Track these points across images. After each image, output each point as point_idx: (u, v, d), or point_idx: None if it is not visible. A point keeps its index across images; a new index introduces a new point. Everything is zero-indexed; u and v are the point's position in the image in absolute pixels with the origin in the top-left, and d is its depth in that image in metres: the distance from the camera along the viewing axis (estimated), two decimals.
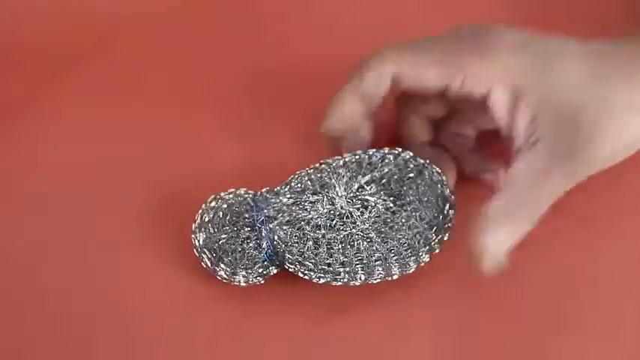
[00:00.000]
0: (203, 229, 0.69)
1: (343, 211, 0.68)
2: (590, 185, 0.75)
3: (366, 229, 0.67)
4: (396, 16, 0.85)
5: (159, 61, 0.83)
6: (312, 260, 0.67)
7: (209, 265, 0.69)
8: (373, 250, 0.67)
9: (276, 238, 0.68)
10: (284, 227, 0.68)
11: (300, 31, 0.84)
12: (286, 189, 0.69)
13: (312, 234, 0.67)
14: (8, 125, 0.79)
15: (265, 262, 0.69)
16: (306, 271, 0.68)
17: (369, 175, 0.69)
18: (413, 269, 0.69)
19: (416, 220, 0.68)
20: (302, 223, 0.68)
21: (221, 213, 0.69)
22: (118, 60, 0.83)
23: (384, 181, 0.69)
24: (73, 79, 0.82)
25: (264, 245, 0.68)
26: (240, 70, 0.82)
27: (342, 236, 0.67)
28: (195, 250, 0.69)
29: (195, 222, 0.70)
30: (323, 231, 0.67)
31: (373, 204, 0.68)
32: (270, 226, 0.68)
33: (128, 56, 0.83)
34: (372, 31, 0.83)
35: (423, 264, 0.69)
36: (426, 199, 0.68)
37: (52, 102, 0.80)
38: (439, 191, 0.69)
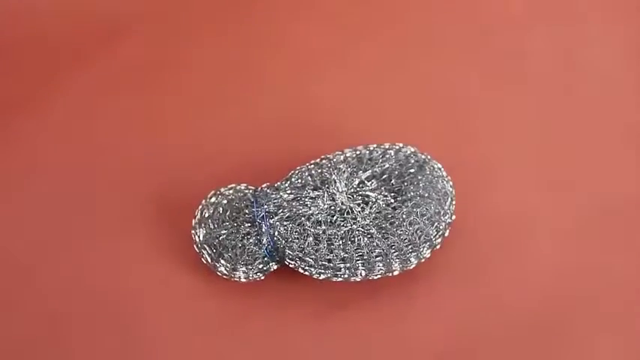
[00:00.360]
0: (203, 225, 0.69)
1: (344, 207, 0.67)
2: (593, 187, 0.75)
3: (367, 224, 0.67)
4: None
5: (159, 59, 0.83)
6: (313, 256, 0.67)
7: (209, 260, 0.69)
8: (374, 245, 0.67)
9: (276, 233, 0.67)
10: (284, 223, 0.67)
11: (299, 23, 0.84)
12: (287, 184, 0.69)
13: (312, 230, 0.67)
14: (8, 123, 0.79)
15: (265, 258, 0.68)
16: (307, 267, 0.68)
17: (370, 171, 0.69)
18: (414, 265, 0.68)
19: (417, 216, 0.67)
20: (302, 218, 0.67)
21: (221, 209, 0.69)
22: (118, 58, 0.83)
23: (384, 176, 0.68)
24: (73, 77, 0.82)
25: (264, 241, 0.68)
26: (239, 66, 0.82)
27: (342, 232, 0.67)
28: (195, 246, 0.69)
29: (195, 218, 0.69)
30: (323, 227, 0.67)
31: (374, 200, 0.67)
32: (271, 221, 0.68)
33: (129, 55, 0.83)
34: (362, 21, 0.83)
35: (423, 260, 0.69)
36: (427, 194, 0.68)
37: (53, 100, 0.80)
38: (440, 187, 0.69)
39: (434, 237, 0.68)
